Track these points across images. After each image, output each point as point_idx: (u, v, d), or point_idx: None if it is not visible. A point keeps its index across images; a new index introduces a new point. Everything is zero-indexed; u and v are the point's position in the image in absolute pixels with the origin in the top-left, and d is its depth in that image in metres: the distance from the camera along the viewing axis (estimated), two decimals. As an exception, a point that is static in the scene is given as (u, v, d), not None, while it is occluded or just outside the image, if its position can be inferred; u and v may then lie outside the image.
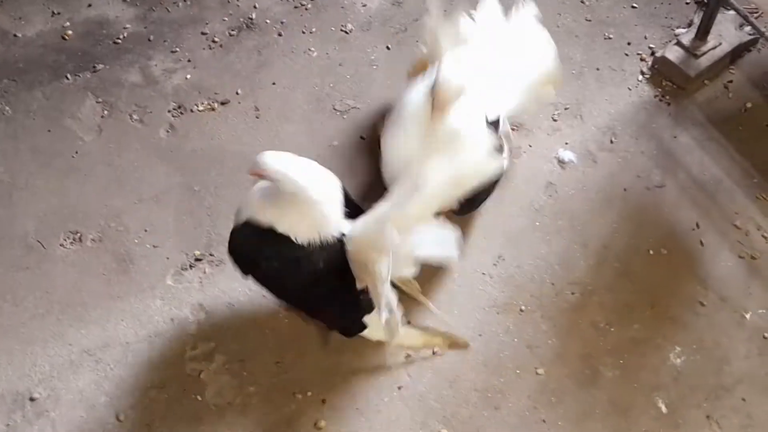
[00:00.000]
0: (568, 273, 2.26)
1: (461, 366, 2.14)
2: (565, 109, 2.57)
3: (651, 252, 2.30)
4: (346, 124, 2.54)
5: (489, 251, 2.30)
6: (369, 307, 1.97)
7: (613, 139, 2.50)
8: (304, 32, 2.74)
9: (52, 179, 2.47)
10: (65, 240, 2.36)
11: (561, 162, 2.45)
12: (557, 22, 2.76)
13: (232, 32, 2.73)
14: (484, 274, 2.26)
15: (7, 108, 2.58)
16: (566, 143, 2.50)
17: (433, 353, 2.16)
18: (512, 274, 2.26)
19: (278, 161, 1.83)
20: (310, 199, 1.84)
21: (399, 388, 2.10)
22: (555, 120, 2.54)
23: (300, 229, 1.88)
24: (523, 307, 2.21)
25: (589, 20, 2.77)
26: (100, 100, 2.60)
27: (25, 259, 2.23)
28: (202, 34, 2.73)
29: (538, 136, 2.52)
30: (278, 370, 2.12)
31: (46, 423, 2.09)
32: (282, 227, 1.87)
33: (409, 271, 1.99)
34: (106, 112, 2.56)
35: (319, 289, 1.95)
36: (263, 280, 2.01)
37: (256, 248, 1.93)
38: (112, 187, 2.29)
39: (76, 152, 2.53)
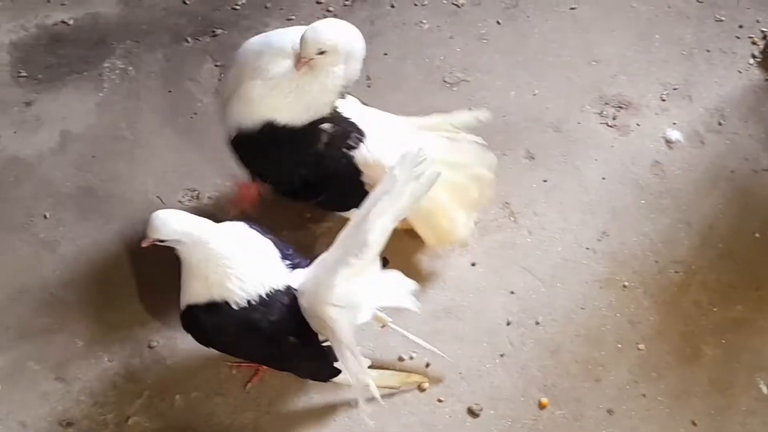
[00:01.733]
0: (672, 251, 2.29)
1: (563, 338, 2.18)
2: (674, 89, 2.59)
3: (757, 235, 2.32)
4: (456, 96, 2.61)
5: (594, 227, 2.33)
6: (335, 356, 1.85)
7: (721, 121, 2.51)
8: (416, 4, 2.80)
9: (171, 138, 2.57)
10: (183, 197, 2.46)
11: (668, 142, 2.47)
12: (668, 2, 2.74)
13: (347, 3, 2.80)
14: (588, 249, 2.29)
15: (130, 68, 2.69)
16: (674, 123, 2.53)
17: (421, 390, 2.15)
18: (616, 250, 2.29)
19: (172, 222, 1.77)
20: (213, 254, 1.78)
21: (501, 355, 2.14)
22: (663, 100, 2.56)
23: (219, 292, 1.81)
24: (626, 283, 2.23)
25: (701, 2, 2.76)
26: (218, 63, 2.70)
27: (145, 213, 2.30)
28: (318, 3, 2.80)
29: (646, 114, 2.55)
30: (382, 332, 2.11)
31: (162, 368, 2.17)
32: (207, 297, 1.83)
33: (364, 318, 1.87)
34: (223, 75, 2.61)
35: (280, 346, 1.89)
36: (225, 350, 1.98)
37: (205, 325, 1.88)
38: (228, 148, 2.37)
39: (195, 113, 2.63)
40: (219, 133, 2.16)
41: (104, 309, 2.24)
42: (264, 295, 1.82)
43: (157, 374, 2.16)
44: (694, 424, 2.07)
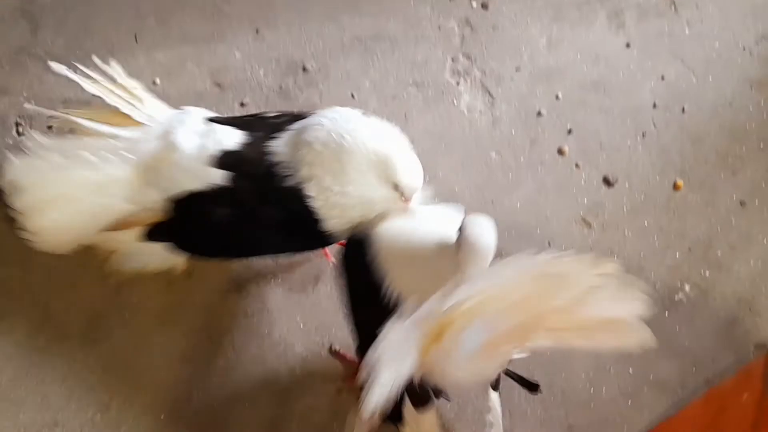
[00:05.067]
0: (830, 66, 2.24)
1: (706, 128, 2.22)
2: None
3: None
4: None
5: (754, 29, 2.32)
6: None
7: None
8: None
9: None
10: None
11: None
12: None
13: None
14: (744, 49, 2.29)
15: None
16: None
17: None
18: (773, 55, 2.25)
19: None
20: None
21: (643, 135, 2.17)
22: None
23: None
24: (777, 88, 2.20)
25: None
26: None
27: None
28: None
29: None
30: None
31: (314, 92, 2.23)
32: None
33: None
34: None
35: None
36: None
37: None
38: None
39: None
40: None
41: (264, 26, 2.26)
42: None
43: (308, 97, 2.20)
44: (821, 227, 2.03)
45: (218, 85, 2.14)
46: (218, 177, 1.56)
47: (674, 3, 2.31)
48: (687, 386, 1.92)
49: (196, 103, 1.84)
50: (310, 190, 1.54)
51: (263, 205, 1.57)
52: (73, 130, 1.65)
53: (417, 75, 2.18)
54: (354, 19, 2.20)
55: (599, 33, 2.26)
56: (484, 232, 1.36)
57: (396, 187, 1.53)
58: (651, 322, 1.82)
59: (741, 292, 1.99)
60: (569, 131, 2.12)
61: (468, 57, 2.22)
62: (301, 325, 1.90)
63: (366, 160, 1.52)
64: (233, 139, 1.59)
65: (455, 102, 2.14)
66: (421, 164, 1.56)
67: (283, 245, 1.70)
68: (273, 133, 1.60)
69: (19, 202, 1.58)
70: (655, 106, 2.19)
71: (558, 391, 1.89)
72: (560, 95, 2.16)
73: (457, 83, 2.19)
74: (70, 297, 1.90)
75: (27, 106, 1.99)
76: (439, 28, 2.25)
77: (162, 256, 1.68)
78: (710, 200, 2.09)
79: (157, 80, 2.13)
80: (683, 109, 2.18)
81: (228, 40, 2.23)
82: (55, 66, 1.61)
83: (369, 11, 2.26)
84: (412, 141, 1.59)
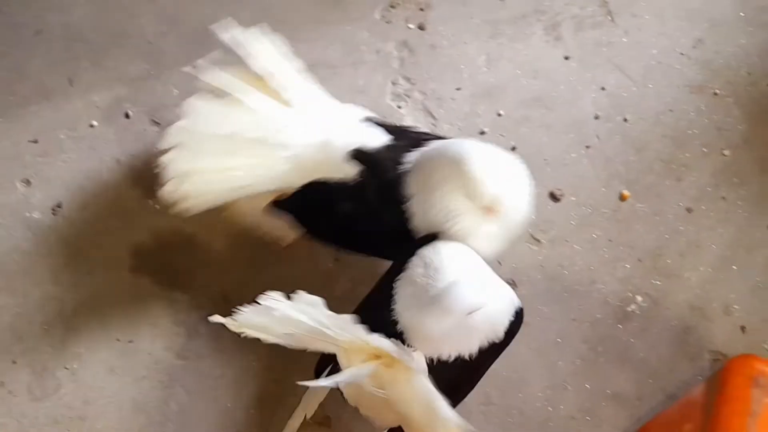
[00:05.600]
0: (766, 66, 2.30)
1: (649, 136, 2.21)
2: None
3: None
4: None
5: (690, 34, 2.33)
6: None
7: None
8: None
9: None
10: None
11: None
12: None
13: None
14: (682, 54, 2.29)
15: None
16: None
17: None
18: (710, 58, 2.28)
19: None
20: None
21: (587, 147, 2.18)
22: None
23: None
24: (717, 91, 2.24)
25: None
26: None
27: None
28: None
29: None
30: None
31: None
32: None
33: None
34: None
35: None
36: None
37: None
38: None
39: None
40: None
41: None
42: None
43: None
44: (770, 229, 2.04)
45: (157, 123, 2.12)
46: (353, 171, 1.66)
47: (611, 12, 2.30)
48: (644, 398, 1.92)
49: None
50: (412, 206, 1.64)
51: (381, 207, 1.66)
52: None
53: (358, 100, 2.15)
54: (291, 47, 2.17)
55: (537, 47, 2.25)
56: None
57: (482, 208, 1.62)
58: (605, 336, 1.84)
59: (693, 299, 2.00)
60: (513, 148, 2.13)
61: (408, 79, 2.21)
62: (254, 364, 1.86)
63: (455, 183, 1.61)
64: (378, 140, 1.70)
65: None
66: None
67: (383, 250, 1.79)
68: (413, 146, 1.68)
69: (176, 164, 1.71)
70: (597, 117, 2.18)
71: (516, 411, 1.89)
72: (502, 112, 2.16)
73: (399, 106, 2.18)
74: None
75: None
76: (378, 51, 2.24)
77: (278, 225, 1.83)
78: (657, 209, 2.09)
79: (94, 123, 2.12)
80: (625, 119, 2.19)
81: (164, 77, 2.18)
82: None
83: (306, 38, 2.24)
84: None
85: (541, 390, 1.93)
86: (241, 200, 1.84)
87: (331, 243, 1.99)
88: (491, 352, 1.45)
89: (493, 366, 1.77)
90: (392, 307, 1.59)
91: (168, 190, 1.77)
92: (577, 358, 1.98)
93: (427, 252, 1.60)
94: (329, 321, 1.29)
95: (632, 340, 1.98)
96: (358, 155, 1.67)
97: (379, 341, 1.30)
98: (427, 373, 1.34)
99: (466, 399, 1.68)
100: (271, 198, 1.75)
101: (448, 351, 1.41)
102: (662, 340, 2.00)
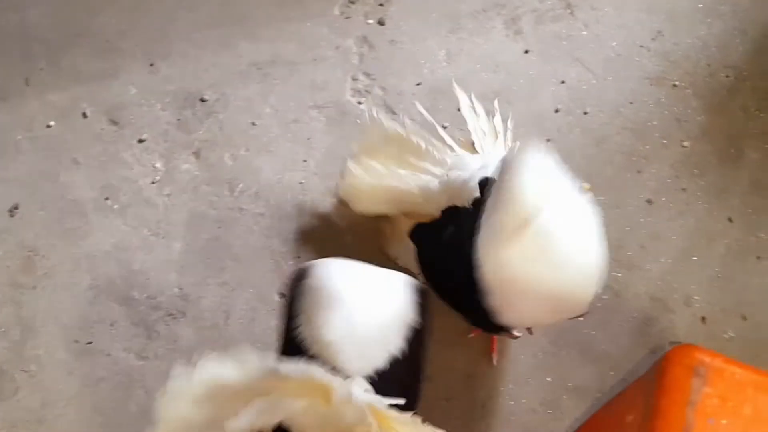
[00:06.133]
0: (725, 56, 2.29)
1: (609, 129, 2.21)
2: None
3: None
4: None
5: (649, 26, 2.33)
6: None
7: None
8: None
9: None
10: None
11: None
12: None
13: None
14: (642, 46, 2.30)
15: None
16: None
17: None
18: (669, 50, 2.29)
19: None
20: None
21: (548, 140, 2.17)
22: None
23: None
24: (676, 83, 2.24)
25: None
26: None
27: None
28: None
29: None
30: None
31: (214, 123, 2.21)
32: None
33: None
34: None
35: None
36: None
37: None
38: None
39: None
40: None
41: (158, 59, 2.21)
42: None
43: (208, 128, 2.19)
44: (730, 220, 2.13)
45: (115, 122, 2.11)
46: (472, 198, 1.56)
47: (570, 5, 2.31)
48: (605, 390, 1.91)
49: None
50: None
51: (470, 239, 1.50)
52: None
53: (318, 97, 2.16)
54: (250, 46, 2.17)
55: (497, 41, 2.26)
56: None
57: None
58: (566, 329, 1.84)
59: (654, 290, 2.00)
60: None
61: (368, 75, 2.20)
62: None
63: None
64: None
65: (358, 121, 2.11)
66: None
67: (463, 299, 1.56)
68: None
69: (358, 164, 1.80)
70: (557, 110, 2.18)
71: (478, 405, 1.88)
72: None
73: (359, 102, 2.17)
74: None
75: None
76: (337, 48, 2.23)
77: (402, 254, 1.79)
78: (618, 201, 2.09)
79: (52, 123, 2.10)
80: (585, 112, 2.19)
81: (122, 76, 2.19)
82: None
83: (265, 36, 2.23)
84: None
85: (503, 384, 1.92)
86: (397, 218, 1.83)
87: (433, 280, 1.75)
88: (418, 338, 1.43)
89: (453, 360, 1.76)
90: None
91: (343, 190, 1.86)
92: (538, 351, 1.97)
93: None
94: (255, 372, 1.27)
95: (593, 332, 1.97)
96: (482, 185, 1.56)
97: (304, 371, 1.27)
98: (366, 392, 1.33)
99: (426, 394, 1.66)
100: (411, 223, 1.73)
101: (379, 355, 1.39)
102: (623, 331, 1.99)
